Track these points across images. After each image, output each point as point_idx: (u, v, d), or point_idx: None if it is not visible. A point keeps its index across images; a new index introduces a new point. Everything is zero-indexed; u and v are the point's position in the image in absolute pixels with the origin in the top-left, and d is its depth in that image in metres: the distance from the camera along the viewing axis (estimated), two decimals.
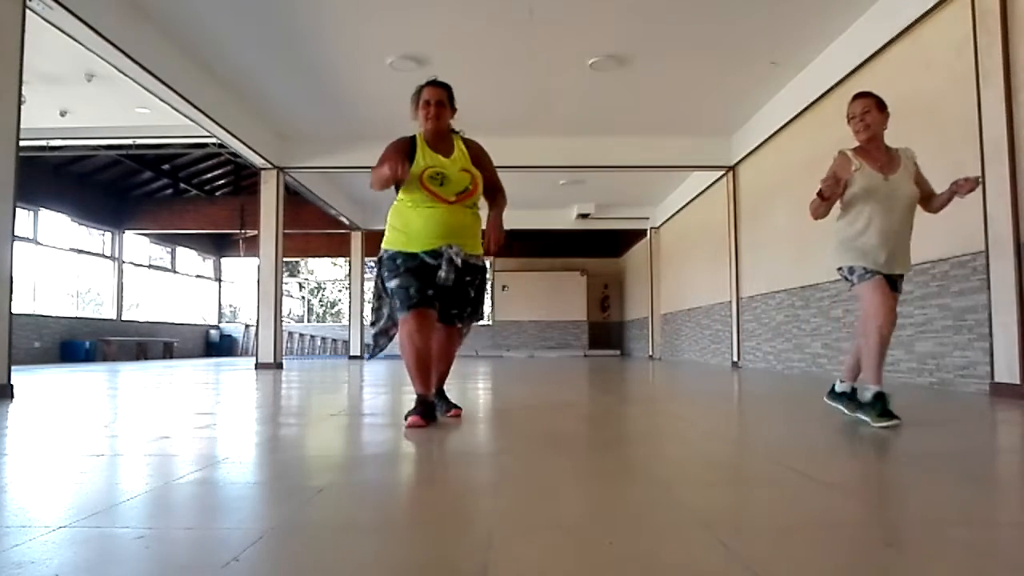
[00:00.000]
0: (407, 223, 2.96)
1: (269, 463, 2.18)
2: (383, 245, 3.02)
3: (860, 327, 3.04)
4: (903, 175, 2.93)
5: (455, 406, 3.26)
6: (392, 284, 2.94)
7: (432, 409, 2.97)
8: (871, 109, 2.99)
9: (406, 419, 2.86)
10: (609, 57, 6.67)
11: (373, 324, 3.15)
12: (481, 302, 3.23)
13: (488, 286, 3.62)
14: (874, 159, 2.96)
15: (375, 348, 3.21)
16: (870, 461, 2.12)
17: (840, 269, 3.01)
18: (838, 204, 2.99)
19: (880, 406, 2.77)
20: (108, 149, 11.67)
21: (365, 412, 3.71)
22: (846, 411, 3.06)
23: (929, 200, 3.05)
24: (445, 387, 3.38)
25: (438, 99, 3.06)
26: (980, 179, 3.11)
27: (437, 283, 2.91)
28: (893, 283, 2.97)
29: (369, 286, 18.95)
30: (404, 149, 2.99)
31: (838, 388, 3.19)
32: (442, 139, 3.07)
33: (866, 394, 2.85)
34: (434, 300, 2.94)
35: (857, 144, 3.04)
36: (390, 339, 3.16)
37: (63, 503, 1.57)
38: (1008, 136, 4.06)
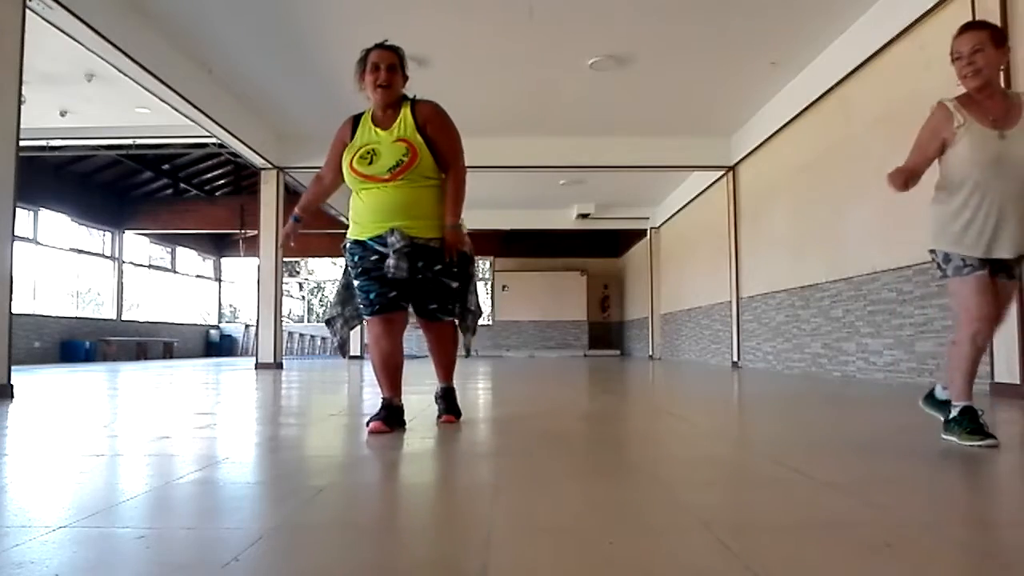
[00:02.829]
0: (354, 209, 2.72)
1: (269, 463, 2.18)
2: (347, 234, 2.80)
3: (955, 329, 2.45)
4: (1022, 132, 2.30)
5: (453, 411, 2.96)
6: (356, 283, 2.72)
7: (396, 414, 2.70)
8: (984, 46, 2.32)
9: (368, 424, 2.64)
10: (609, 57, 6.67)
11: (329, 324, 2.85)
12: (458, 293, 2.78)
13: (471, 271, 2.92)
14: (985, 112, 2.34)
15: (341, 354, 2.96)
16: (870, 461, 2.12)
17: (933, 252, 2.43)
18: (935, 169, 2.41)
19: (967, 422, 2.30)
20: (108, 149, 11.66)
21: (365, 412, 3.70)
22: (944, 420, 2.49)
23: None
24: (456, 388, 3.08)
25: (389, 63, 2.65)
26: None
27: (388, 278, 2.59)
28: (1008, 269, 2.36)
29: None
30: (344, 138, 2.76)
31: (939, 395, 2.56)
32: (391, 109, 2.69)
33: (953, 410, 2.37)
34: (399, 301, 2.66)
35: (965, 92, 2.41)
36: (347, 346, 2.93)
37: (63, 503, 1.57)
38: None
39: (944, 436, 2.38)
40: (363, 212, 2.65)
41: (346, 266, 2.78)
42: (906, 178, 2.33)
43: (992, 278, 2.32)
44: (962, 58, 2.36)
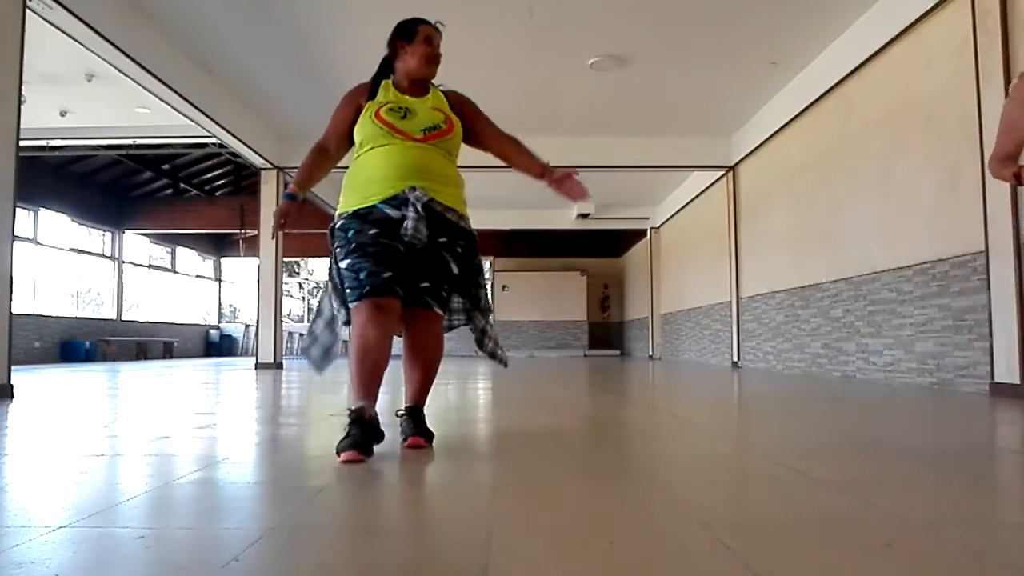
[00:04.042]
0: (358, 171, 2.29)
1: (269, 463, 2.18)
2: (336, 213, 2.32)
3: None
4: None
5: (423, 433, 2.31)
6: (343, 265, 2.20)
7: (372, 434, 2.10)
8: None
9: (338, 453, 2.03)
10: (609, 57, 6.67)
11: (305, 352, 2.38)
12: (473, 283, 2.39)
13: (478, 262, 2.41)
14: None
15: (321, 364, 2.38)
16: (870, 461, 2.12)
17: None
18: None
19: None
20: (108, 149, 11.66)
21: None
22: None
23: None
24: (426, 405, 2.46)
25: (439, 43, 2.42)
26: None
27: (404, 239, 2.15)
28: None
29: None
30: (358, 100, 2.37)
31: None
32: (420, 84, 2.41)
33: None
34: (393, 285, 2.16)
35: None
36: (331, 356, 2.37)
37: (63, 503, 1.57)
38: None
39: None
40: (379, 169, 2.22)
41: (332, 255, 2.29)
42: (1009, 166, 2.08)
43: None
44: None
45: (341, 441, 2.08)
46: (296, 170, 2.49)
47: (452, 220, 2.28)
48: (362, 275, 2.14)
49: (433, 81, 2.46)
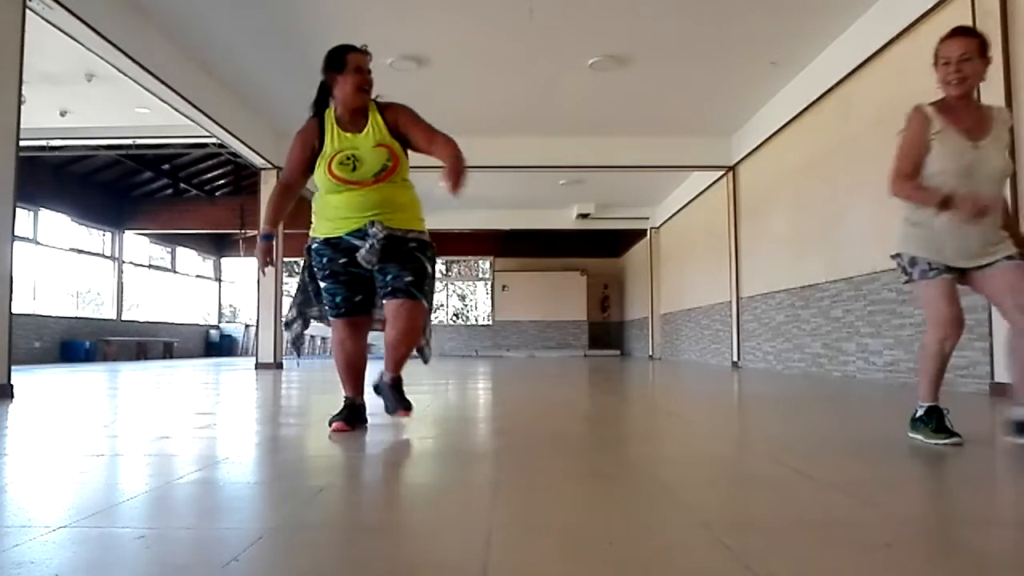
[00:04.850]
0: (327, 205, 2.66)
1: (269, 463, 2.18)
2: (310, 235, 2.74)
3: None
4: (994, 143, 2.30)
5: (405, 405, 2.76)
6: (322, 285, 2.74)
7: (358, 413, 2.77)
8: (973, 55, 2.30)
9: (330, 424, 2.70)
10: (609, 57, 6.67)
11: (287, 326, 2.86)
12: (419, 270, 2.67)
13: (430, 266, 2.74)
14: (961, 119, 2.32)
15: (295, 352, 2.99)
16: (870, 461, 2.12)
17: (898, 257, 2.46)
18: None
19: (933, 421, 2.33)
20: (108, 149, 11.66)
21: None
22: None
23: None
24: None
25: (369, 67, 2.64)
26: None
27: (352, 283, 2.68)
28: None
29: None
30: (311, 142, 2.66)
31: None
32: (359, 112, 2.65)
33: (918, 410, 2.42)
34: (364, 305, 2.73)
35: (942, 97, 2.38)
36: (301, 344, 2.93)
37: (63, 503, 1.57)
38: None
39: (910, 435, 2.42)
40: (341, 209, 2.62)
41: (306, 267, 2.77)
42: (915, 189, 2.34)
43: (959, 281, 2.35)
44: (949, 63, 2.33)
45: (334, 416, 2.73)
46: (266, 207, 2.82)
47: (412, 238, 2.66)
48: (338, 299, 2.70)
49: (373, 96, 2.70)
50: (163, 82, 6.34)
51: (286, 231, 9.74)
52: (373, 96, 2.67)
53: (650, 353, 14.26)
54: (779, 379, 6.39)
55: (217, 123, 7.58)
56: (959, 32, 2.38)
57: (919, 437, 2.38)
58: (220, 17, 5.93)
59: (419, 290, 2.64)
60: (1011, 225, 2.42)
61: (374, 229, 2.56)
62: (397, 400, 2.75)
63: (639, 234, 15.02)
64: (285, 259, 10.67)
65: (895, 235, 2.48)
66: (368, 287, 2.70)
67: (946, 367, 2.41)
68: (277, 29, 6.14)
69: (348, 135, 2.62)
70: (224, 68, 7.04)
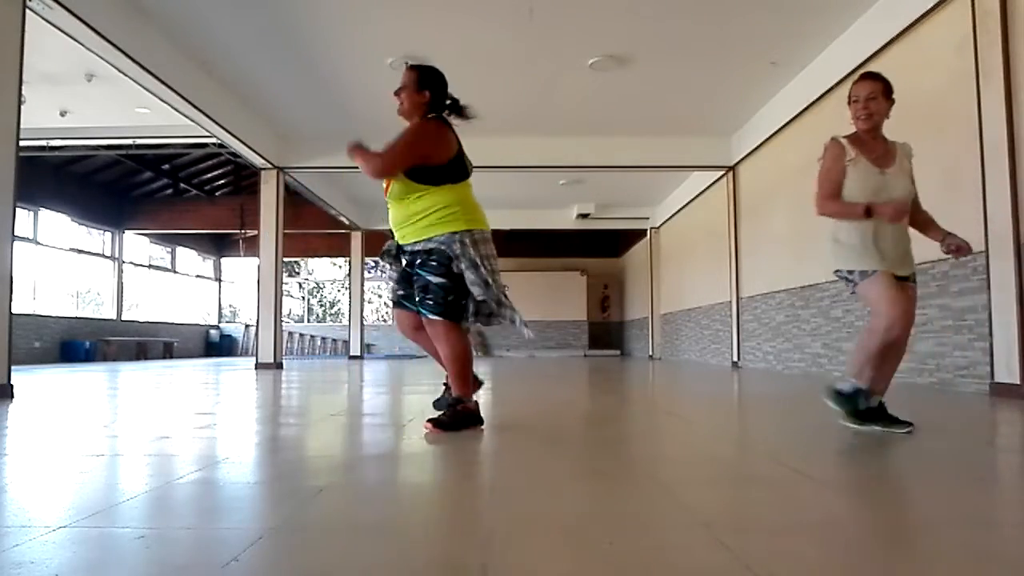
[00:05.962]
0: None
1: (269, 463, 2.18)
2: (479, 228, 3.09)
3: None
4: (899, 171, 2.67)
5: (435, 420, 2.74)
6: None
7: (471, 416, 2.79)
8: (878, 95, 2.71)
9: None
10: (609, 57, 6.67)
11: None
12: (422, 286, 2.77)
13: (431, 275, 2.78)
14: (870, 150, 2.69)
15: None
16: (870, 461, 2.12)
17: (838, 272, 2.70)
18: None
19: (856, 404, 2.54)
20: (108, 149, 11.66)
21: (365, 412, 3.71)
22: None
23: (916, 211, 2.73)
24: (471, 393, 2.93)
25: (402, 84, 3.03)
26: (971, 249, 2.72)
27: (398, 278, 2.96)
28: (904, 279, 2.63)
29: (369, 285, 18.95)
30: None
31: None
32: None
33: (844, 385, 2.59)
34: (402, 300, 2.93)
35: (854, 131, 2.76)
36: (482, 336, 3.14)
37: (63, 503, 1.57)
38: (1008, 136, 4.06)
39: (824, 399, 2.64)
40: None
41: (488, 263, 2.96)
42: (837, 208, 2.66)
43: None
44: (859, 102, 2.72)
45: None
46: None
47: (418, 249, 2.80)
48: (393, 286, 2.99)
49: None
50: (163, 82, 6.34)
51: (286, 231, 9.73)
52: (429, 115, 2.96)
53: (650, 353, 14.26)
54: (779, 379, 6.39)
55: (217, 123, 7.58)
56: (867, 76, 2.80)
57: (836, 409, 2.59)
58: (220, 17, 5.93)
59: (429, 306, 2.76)
60: (929, 221, 2.78)
61: (395, 246, 2.94)
62: (441, 411, 2.84)
63: (639, 234, 15.02)
64: (285, 259, 10.67)
65: (827, 255, 2.73)
66: (406, 286, 2.92)
67: (891, 357, 2.59)
68: (277, 29, 6.14)
69: None
70: (224, 68, 7.04)
